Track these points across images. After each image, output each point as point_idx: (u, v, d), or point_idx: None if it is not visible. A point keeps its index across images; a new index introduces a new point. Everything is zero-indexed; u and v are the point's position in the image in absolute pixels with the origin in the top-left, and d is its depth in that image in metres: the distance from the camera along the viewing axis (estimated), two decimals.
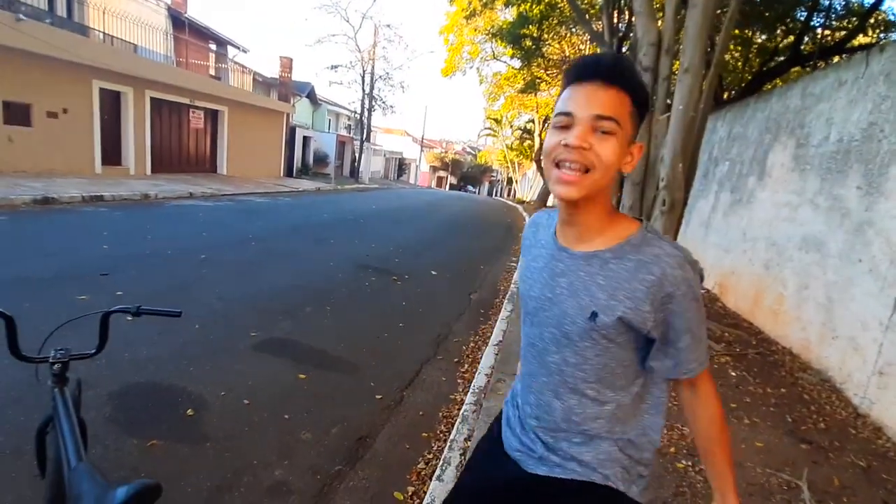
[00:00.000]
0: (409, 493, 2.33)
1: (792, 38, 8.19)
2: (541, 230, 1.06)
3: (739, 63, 9.43)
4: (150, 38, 14.21)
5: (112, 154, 12.30)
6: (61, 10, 12.72)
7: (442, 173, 47.40)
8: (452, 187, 45.36)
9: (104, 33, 12.80)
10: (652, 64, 4.45)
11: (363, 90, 26.29)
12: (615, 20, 8.09)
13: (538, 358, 1.00)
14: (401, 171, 43.10)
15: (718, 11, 4.60)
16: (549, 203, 23.13)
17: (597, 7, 10.19)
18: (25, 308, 3.48)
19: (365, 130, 27.27)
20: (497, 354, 3.92)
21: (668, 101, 4.57)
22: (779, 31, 8.37)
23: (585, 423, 0.96)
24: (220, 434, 2.51)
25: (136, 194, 9.72)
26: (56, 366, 1.40)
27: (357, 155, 27.88)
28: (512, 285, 6.42)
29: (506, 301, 5.61)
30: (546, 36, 13.05)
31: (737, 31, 7.87)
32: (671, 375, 0.93)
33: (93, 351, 1.47)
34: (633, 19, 5.38)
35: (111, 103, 12.13)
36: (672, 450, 2.75)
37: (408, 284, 6.03)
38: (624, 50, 8.80)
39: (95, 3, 12.15)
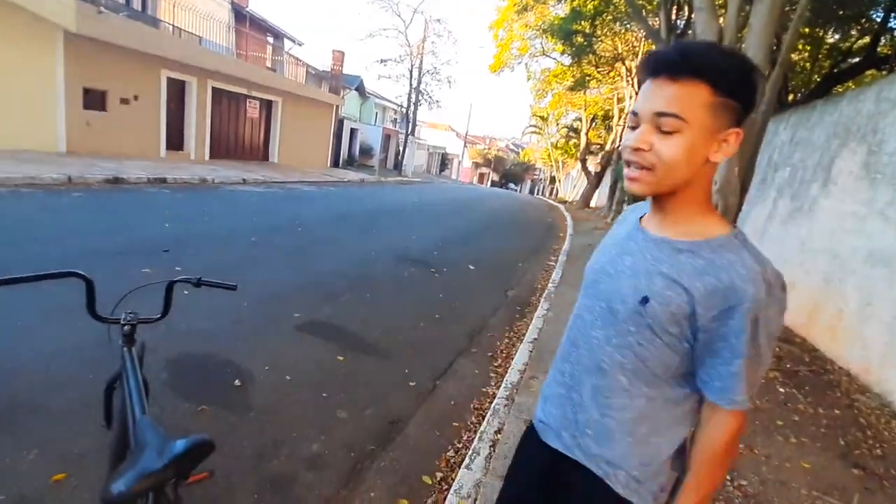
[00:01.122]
0: (438, 479, 2.38)
1: (867, 39, 7.61)
2: (635, 212, 1.05)
3: (807, 64, 8.84)
4: (214, 31, 14.94)
5: (175, 139, 13.07)
6: (136, 3, 13.59)
7: (484, 170, 47.21)
8: (494, 184, 45.09)
9: (173, 26, 13.58)
10: None
11: (410, 84, 26.56)
12: (673, 16, 7.78)
13: (583, 331, 0.99)
14: (443, 166, 43.27)
15: (786, 8, 4.33)
16: (592, 204, 22.58)
17: (654, 3, 9.82)
18: (96, 277, 3.78)
19: (410, 124, 27.56)
20: (531, 352, 3.91)
21: None
22: (853, 32, 7.79)
23: (610, 410, 0.93)
24: (264, 406, 2.65)
25: (194, 178, 10.30)
26: (126, 327, 1.54)
27: (401, 148, 28.22)
28: (550, 285, 6.35)
29: (543, 300, 5.56)
30: (599, 32, 12.72)
31: (806, 30, 7.39)
32: (712, 397, 0.86)
33: (158, 316, 1.61)
34: (693, 15, 5.16)
35: (176, 92, 12.86)
36: None
37: (445, 277, 6.09)
38: None
39: None
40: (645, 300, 0.85)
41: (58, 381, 2.51)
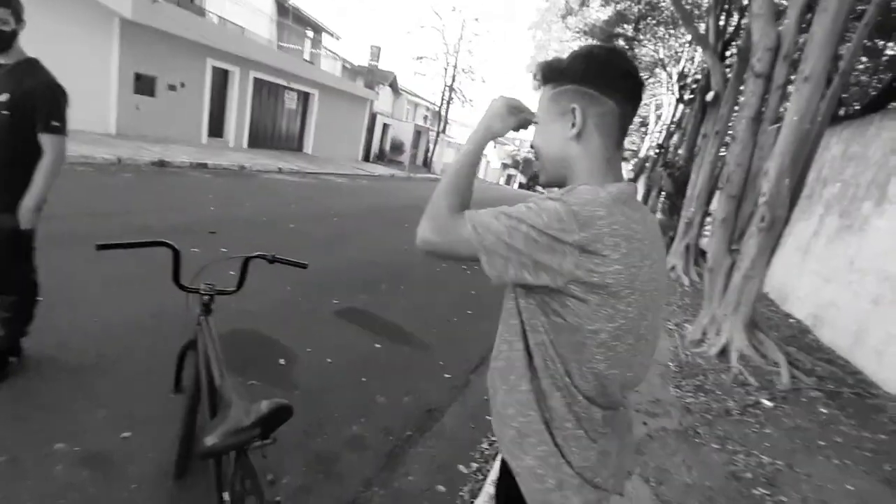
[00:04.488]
0: (474, 469, 2.42)
1: None
2: None
3: (864, 76, 8.51)
4: (257, 22, 15.31)
5: (216, 127, 13.48)
6: None
7: (512, 171, 46.96)
8: (521, 186, 44.80)
9: (219, 16, 13.98)
10: (766, 70, 4.16)
11: (444, 82, 26.64)
12: (722, 22, 7.59)
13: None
14: None
15: (851, 17, 4.20)
16: None
17: (702, 7, 9.60)
18: (153, 253, 3.98)
19: (442, 122, 27.65)
20: None
21: (782, 111, 4.27)
22: None
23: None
24: (307, 385, 2.75)
25: (234, 165, 10.61)
26: (205, 297, 1.63)
27: (431, 145, 28.35)
28: None
29: None
30: (642, 36, 12.50)
31: (867, 41, 7.11)
32: None
33: (233, 289, 1.70)
34: (745, 22, 5.04)
35: (220, 81, 13.26)
36: (748, 475, 2.63)
37: (477, 274, 6.09)
38: (728, 54, 8.25)
39: None
40: None
41: (125, 346, 2.66)
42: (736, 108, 6.27)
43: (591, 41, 14.63)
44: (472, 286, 5.50)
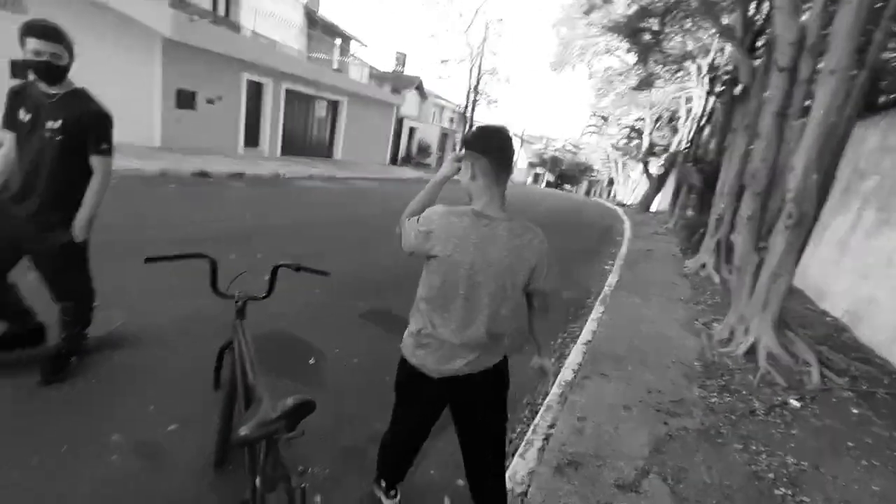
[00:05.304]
0: None
1: None
2: None
3: None
4: (288, 35, 15.86)
5: (251, 137, 14.06)
6: (221, 9, 14.71)
7: (539, 170, 46.51)
8: (549, 185, 44.30)
9: (252, 31, 14.57)
10: (790, 64, 4.08)
11: (469, 84, 26.72)
12: (751, 13, 7.38)
13: None
14: None
15: (877, 5, 4.06)
16: (653, 208, 21.70)
17: None
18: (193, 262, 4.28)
19: (467, 124, 27.74)
20: (585, 354, 3.96)
21: (808, 105, 4.17)
22: None
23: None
24: (335, 384, 2.92)
25: (268, 173, 11.06)
26: (239, 303, 1.81)
27: (457, 147, 28.46)
28: (606, 288, 6.29)
29: (598, 303, 5.54)
30: (668, 29, 12.22)
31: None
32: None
33: (264, 295, 1.88)
34: (772, 13, 4.92)
35: (254, 93, 13.83)
36: (770, 475, 2.62)
37: None
38: (759, 44, 8.00)
39: (248, 4, 13.87)
40: None
41: (170, 348, 2.91)
42: None
43: (615, 38, 14.42)
44: None
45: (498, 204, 1.50)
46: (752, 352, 4.16)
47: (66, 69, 2.17)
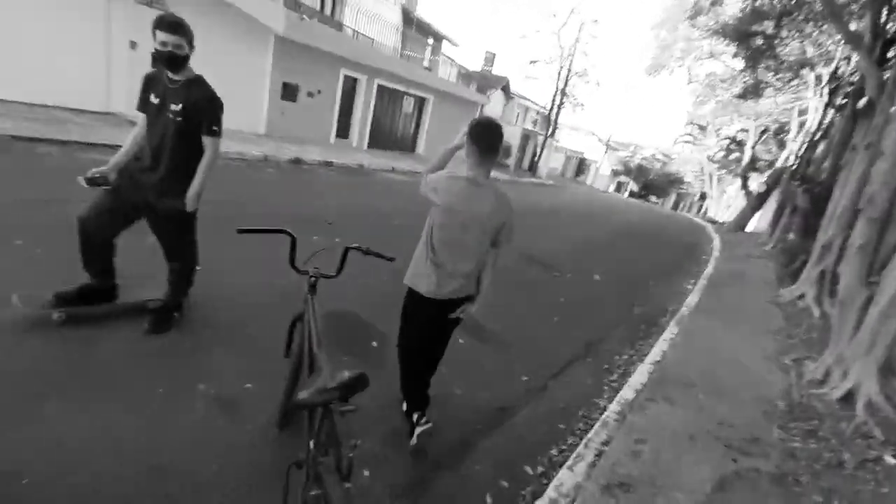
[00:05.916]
0: (539, 472, 2.50)
1: None
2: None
3: None
4: (385, 34, 16.54)
5: (343, 129, 14.91)
6: (328, 9, 15.69)
7: (623, 178, 44.22)
8: (632, 195, 41.95)
9: (353, 29, 15.38)
10: None
11: (556, 86, 26.13)
12: (883, 20, 6.46)
13: None
14: (579, 171, 41.65)
15: None
16: (748, 228, 19.79)
17: (859, 1, 8.20)
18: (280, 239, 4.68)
19: (551, 127, 27.16)
20: (652, 374, 3.76)
21: None
22: None
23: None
24: (394, 367, 3.03)
25: (354, 163, 11.68)
26: (312, 279, 1.97)
27: (539, 150, 27.99)
28: (683, 308, 5.89)
29: (673, 323, 5.21)
30: (785, 34, 11.04)
31: None
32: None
33: (334, 274, 2.02)
34: None
35: (349, 87, 14.63)
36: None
37: (568, 283, 6.04)
38: (890, 54, 7.00)
39: (351, 3, 14.68)
40: None
41: (251, 313, 3.22)
42: None
43: (721, 41, 13.31)
44: (560, 293, 5.47)
45: (484, 174, 2.09)
46: (848, 398, 3.69)
47: (186, 58, 2.47)
